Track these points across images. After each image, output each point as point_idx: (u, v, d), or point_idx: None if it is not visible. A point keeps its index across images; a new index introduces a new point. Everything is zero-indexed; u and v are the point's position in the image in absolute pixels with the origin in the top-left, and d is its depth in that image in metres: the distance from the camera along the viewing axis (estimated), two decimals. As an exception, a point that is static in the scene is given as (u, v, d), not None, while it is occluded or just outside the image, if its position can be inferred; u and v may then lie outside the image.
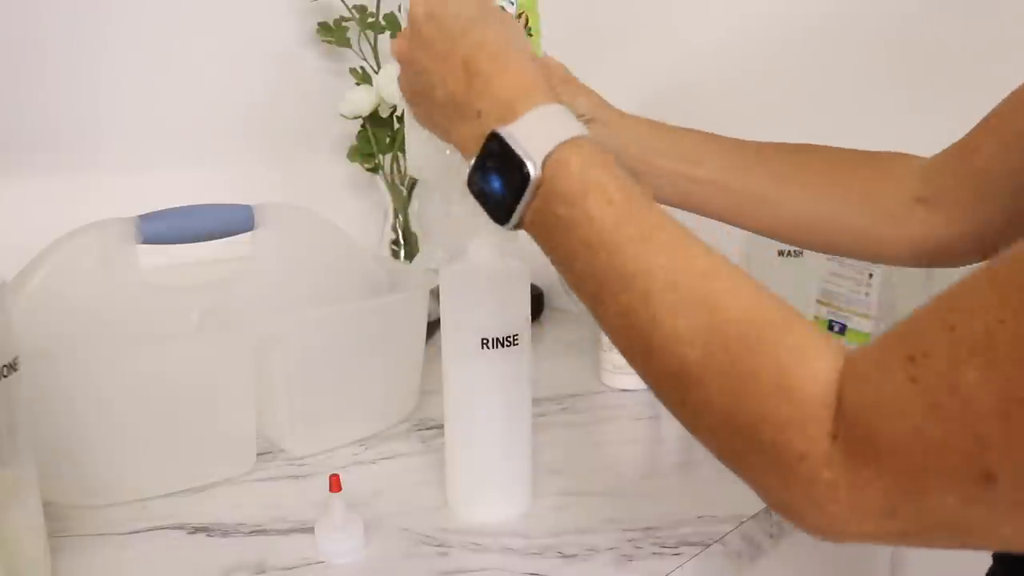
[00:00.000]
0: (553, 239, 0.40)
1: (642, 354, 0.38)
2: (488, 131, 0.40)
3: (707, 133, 0.64)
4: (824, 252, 0.64)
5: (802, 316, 0.36)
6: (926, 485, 0.30)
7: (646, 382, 0.39)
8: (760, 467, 0.35)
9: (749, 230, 0.64)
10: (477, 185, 0.42)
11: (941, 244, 0.57)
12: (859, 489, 0.32)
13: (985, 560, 0.57)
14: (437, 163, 0.53)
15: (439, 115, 0.45)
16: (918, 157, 0.60)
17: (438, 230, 0.57)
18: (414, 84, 0.47)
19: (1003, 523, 0.29)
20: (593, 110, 0.64)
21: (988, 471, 0.28)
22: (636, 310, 0.37)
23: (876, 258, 0.62)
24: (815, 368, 0.34)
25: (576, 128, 0.40)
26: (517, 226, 0.42)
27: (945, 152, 0.59)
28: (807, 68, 0.89)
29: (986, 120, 0.56)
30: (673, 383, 0.37)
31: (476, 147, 0.41)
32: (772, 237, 0.64)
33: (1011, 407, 0.27)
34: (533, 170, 0.39)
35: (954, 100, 0.64)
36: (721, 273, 0.37)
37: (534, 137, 0.39)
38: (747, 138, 0.64)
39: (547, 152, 0.39)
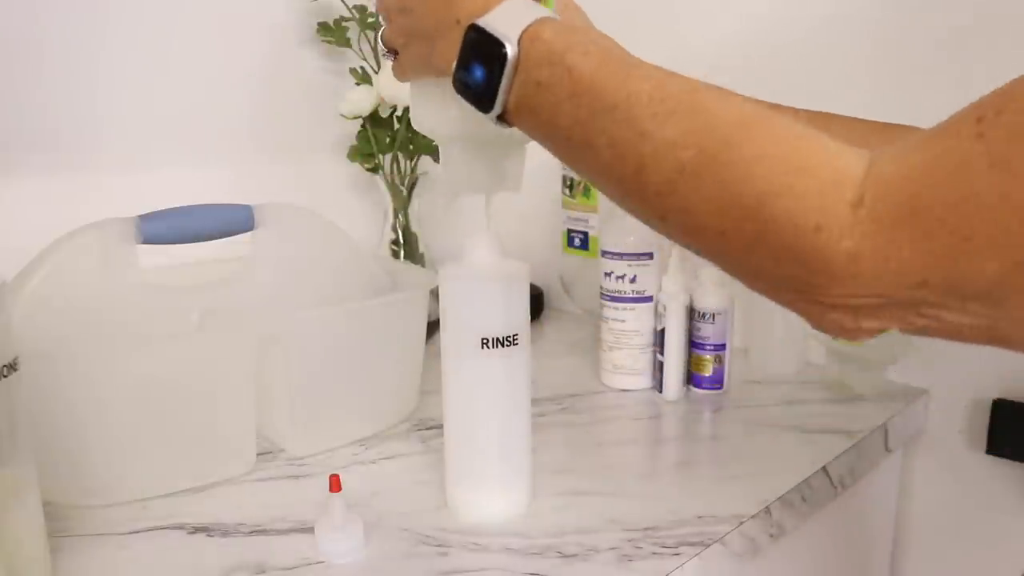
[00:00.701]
0: (538, 107, 0.41)
1: (635, 176, 0.38)
2: (464, 28, 0.43)
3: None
4: None
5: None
6: (969, 248, 0.29)
7: (643, 211, 0.39)
8: (775, 252, 0.34)
9: None
10: (460, 82, 0.44)
11: None
12: (886, 258, 0.31)
13: (988, 563, 0.57)
14: (447, 114, 0.54)
15: (428, 47, 0.47)
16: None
17: (450, 183, 0.57)
18: (404, 27, 0.49)
19: None
20: None
21: None
22: (624, 135, 0.38)
23: None
24: (827, 146, 0.34)
25: (546, 11, 0.42)
26: (504, 116, 0.43)
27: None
28: (805, 66, 0.89)
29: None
30: (672, 191, 0.37)
31: (456, 48, 0.44)
32: None
33: None
34: (510, 47, 0.41)
35: (953, 97, 0.64)
36: (708, 87, 0.38)
37: (507, 21, 0.42)
38: None
39: (521, 28, 0.41)
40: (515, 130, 0.48)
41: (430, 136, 0.58)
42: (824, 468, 0.69)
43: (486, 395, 0.60)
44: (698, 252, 0.39)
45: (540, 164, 1.08)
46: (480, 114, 0.45)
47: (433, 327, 0.85)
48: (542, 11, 0.42)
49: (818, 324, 0.36)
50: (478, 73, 0.42)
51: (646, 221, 0.40)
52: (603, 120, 0.38)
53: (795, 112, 0.63)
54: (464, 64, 0.43)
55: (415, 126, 0.57)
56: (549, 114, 0.41)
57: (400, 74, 0.53)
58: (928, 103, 0.81)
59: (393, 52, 0.52)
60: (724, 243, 0.36)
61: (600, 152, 0.39)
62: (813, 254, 0.33)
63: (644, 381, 0.87)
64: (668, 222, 0.38)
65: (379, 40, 0.55)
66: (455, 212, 1.10)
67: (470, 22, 0.43)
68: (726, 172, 0.35)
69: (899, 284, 0.31)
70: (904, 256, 0.31)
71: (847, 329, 0.35)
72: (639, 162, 0.37)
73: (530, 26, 0.41)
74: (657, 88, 0.38)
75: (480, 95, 0.43)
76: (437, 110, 0.54)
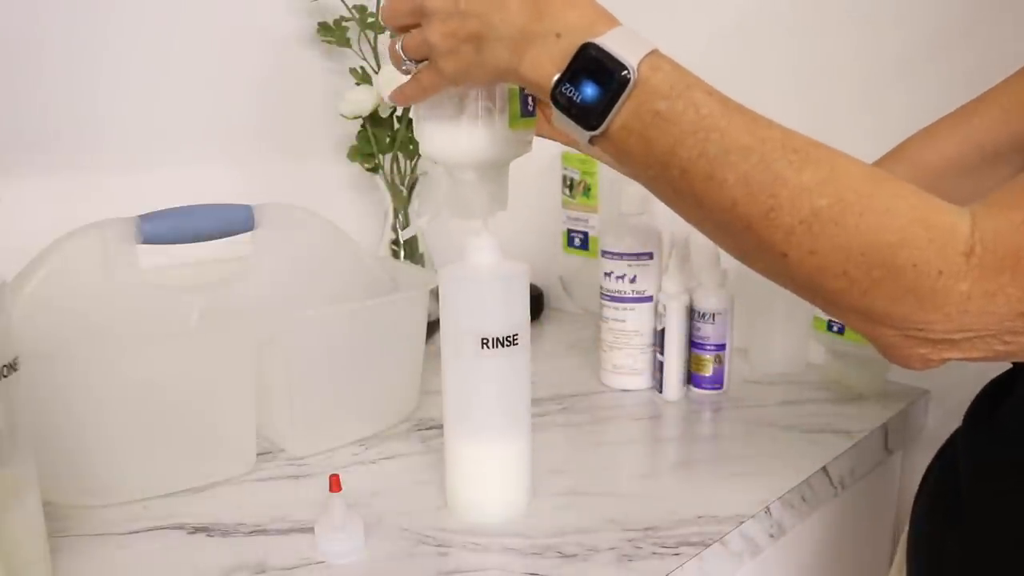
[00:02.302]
0: (653, 137, 0.43)
1: (764, 214, 0.41)
2: (579, 44, 0.44)
3: None
4: None
5: None
6: None
7: (762, 246, 0.42)
8: (895, 293, 0.40)
9: None
10: (565, 96, 0.45)
11: None
12: (994, 297, 0.38)
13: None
14: (461, 139, 0.55)
15: (497, 51, 0.47)
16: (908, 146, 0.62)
17: (458, 207, 0.58)
18: (457, 31, 0.47)
19: None
20: None
21: None
22: (757, 175, 0.41)
23: None
24: (939, 204, 0.40)
25: (653, 43, 0.44)
26: (598, 135, 0.45)
27: (939, 123, 0.61)
28: (803, 61, 0.89)
29: (988, 92, 0.58)
30: (803, 232, 0.41)
31: (561, 61, 0.45)
32: None
33: None
34: (632, 72, 0.43)
35: (956, 93, 0.64)
36: (827, 144, 0.42)
37: (626, 46, 0.43)
38: None
39: (642, 56, 0.43)
40: (509, 152, 0.51)
41: (438, 160, 0.57)
42: (824, 468, 0.69)
43: (486, 395, 0.60)
44: (798, 287, 0.43)
45: (540, 165, 1.09)
46: (498, 138, 0.50)
47: (433, 327, 0.85)
48: (648, 40, 0.44)
49: (902, 356, 0.42)
50: (589, 91, 0.44)
51: (755, 253, 0.44)
52: (735, 158, 0.41)
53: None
54: (574, 79, 0.44)
55: (423, 151, 0.57)
56: (666, 144, 0.43)
57: (432, 80, 0.51)
58: (928, 96, 0.81)
59: (417, 60, 0.51)
60: (845, 283, 0.41)
61: (727, 188, 0.42)
62: (932, 296, 0.39)
63: (644, 381, 0.87)
64: (789, 259, 0.42)
65: (399, 48, 0.53)
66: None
67: (582, 39, 0.44)
68: (860, 221, 0.39)
69: (1001, 318, 0.39)
70: (1009, 294, 0.38)
71: (929, 360, 0.42)
72: (773, 203, 0.41)
73: (649, 55, 0.43)
74: (787, 137, 0.42)
75: (587, 112, 0.44)
76: (450, 135, 0.55)
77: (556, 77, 0.45)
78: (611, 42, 0.44)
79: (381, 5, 0.52)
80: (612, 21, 0.45)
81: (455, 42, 0.48)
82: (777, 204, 0.41)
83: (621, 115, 0.44)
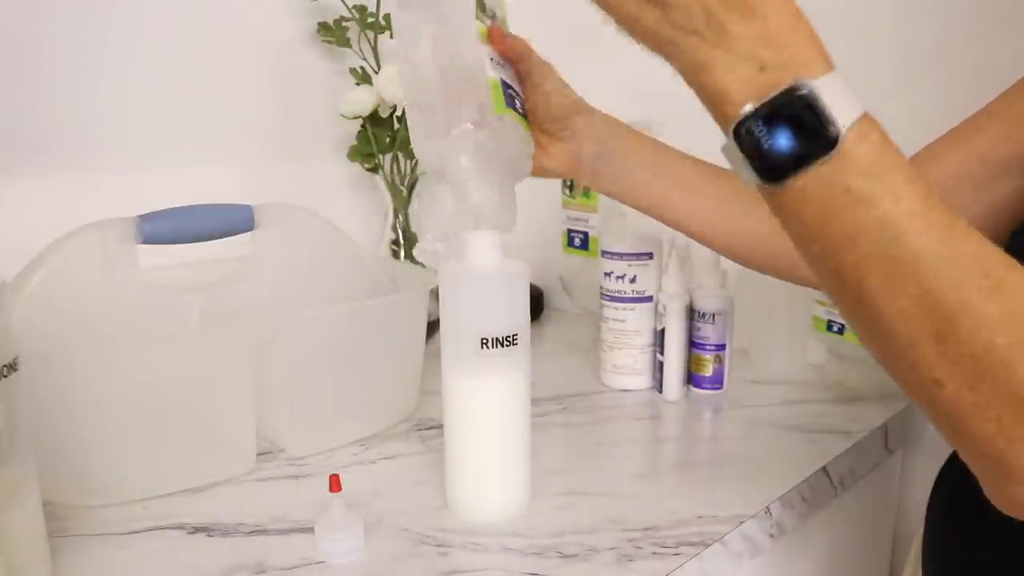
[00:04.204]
0: (836, 214, 0.37)
1: (932, 334, 0.37)
2: (788, 81, 0.37)
3: (701, 162, 0.67)
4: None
5: None
6: None
7: (918, 363, 0.38)
8: None
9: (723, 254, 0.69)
10: (751, 135, 0.37)
11: None
12: None
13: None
14: (451, 155, 0.53)
15: (699, 44, 0.38)
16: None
17: (445, 224, 0.57)
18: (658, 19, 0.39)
19: None
20: (611, 129, 0.66)
21: None
22: (940, 294, 0.36)
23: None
24: None
25: (863, 104, 0.38)
26: (775, 191, 0.38)
27: (941, 140, 0.60)
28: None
29: (989, 105, 0.57)
30: (968, 367, 0.37)
31: (760, 92, 0.37)
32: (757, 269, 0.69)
33: None
34: (840, 133, 0.36)
35: (955, 102, 0.64)
36: (1019, 265, 0.37)
37: (840, 101, 0.37)
38: None
39: (854, 118, 0.36)
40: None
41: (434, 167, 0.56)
42: (824, 468, 0.69)
43: (486, 395, 0.60)
44: (937, 415, 0.40)
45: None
46: None
47: (433, 327, 0.85)
48: (861, 103, 0.38)
49: (1016, 507, 0.40)
50: (783, 141, 0.37)
51: (904, 367, 0.39)
52: (923, 268, 0.36)
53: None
54: (769, 120, 0.37)
55: (421, 156, 0.57)
56: (848, 228, 0.37)
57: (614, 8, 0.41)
58: (928, 95, 0.81)
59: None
60: (994, 428, 0.38)
61: (901, 297, 0.37)
62: None
63: (644, 381, 0.87)
64: (943, 388, 0.38)
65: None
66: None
67: (793, 76, 0.37)
68: None
69: None
70: None
71: None
72: (947, 329, 0.37)
73: (861, 118, 0.37)
74: (982, 254, 0.37)
75: (771, 163, 0.37)
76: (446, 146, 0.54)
77: (749, 109, 0.37)
78: (825, 91, 0.36)
79: None
80: (828, 63, 0.38)
81: (668, 24, 0.39)
82: (951, 331, 0.36)
83: (810, 178, 0.37)
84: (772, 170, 0.38)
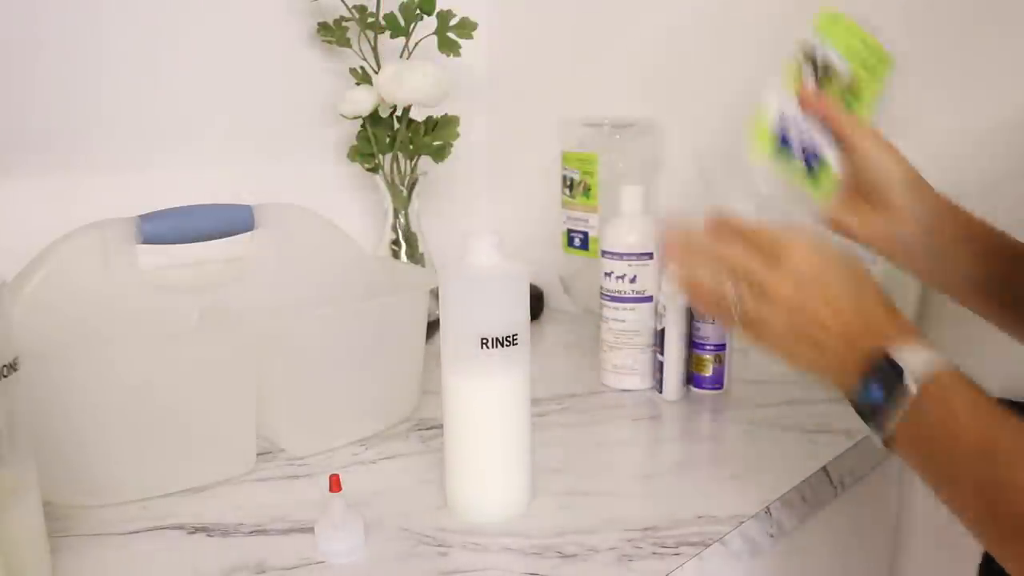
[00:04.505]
0: (931, 450, 0.45)
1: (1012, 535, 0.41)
2: (878, 352, 0.47)
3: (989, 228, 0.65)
4: None
5: None
6: None
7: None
8: None
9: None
10: (864, 400, 0.47)
11: None
12: None
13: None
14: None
15: (819, 355, 0.50)
16: None
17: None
18: (797, 325, 0.50)
19: None
20: (936, 210, 0.64)
21: None
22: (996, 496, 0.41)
23: None
24: None
25: (944, 360, 0.46)
26: (890, 442, 0.47)
27: None
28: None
29: None
30: None
31: (859, 368, 0.47)
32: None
33: None
34: (910, 386, 0.44)
35: (954, 98, 0.64)
36: None
37: (914, 358, 0.45)
38: None
39: (928, 371, 0.45)
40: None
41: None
42: (824, 468, 0.69)
43: (486, 395, 0.60)
44: None
45: (540, 165, 1.09)
46: None
47: (433, 327, 0.85)
48: (938, 356, 0.46)
49: None
50: (877, 395, 0.46)
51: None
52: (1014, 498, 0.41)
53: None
54: (866, 384, 0.47)
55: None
56: (943, 462, 0.44)
57: (733, 327, 0.54)
58: (935, 95, 0.81)
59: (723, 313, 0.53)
60: None
61: (998, 517, 0.42)
62: None
63: (644, 381, 0.87)
64: None
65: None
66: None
67: (878, 345, 0.47)
68: None
69: None
70: None
71: None
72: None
73: (935, 370, 0.45)
74: None
75: (875, 417, 0.47)
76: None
77: (855, 385, 0.48)
78: (903, 352, 0.46)
79: (717, 249, 0.54)
80: (908, 330, 0.48)
81: (797, 332, 0.51)
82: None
83: (904, 426, 0.45)
84: (875, 422, 0.47)
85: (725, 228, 0.54)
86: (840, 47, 0.64)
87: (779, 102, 0.63)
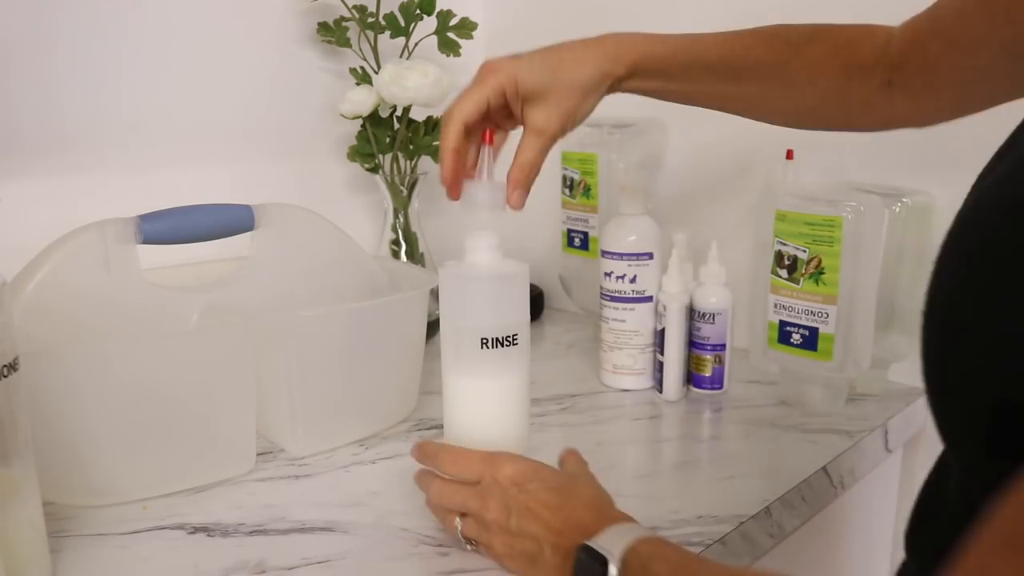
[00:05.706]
0: None
1: None
2: (580, 548, 0.48)
3: (705, 43, 0.70)
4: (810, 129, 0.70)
5: None
6: None
7: None
8: None
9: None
10: None
11: (910, 118, 0.63)
12: None
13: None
14: None
15: (547, 568, 0.51)
16: (885, 29, 0.63)
17: None
18: (515, 546, 0.53)
19: None
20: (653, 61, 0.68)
21: None
22: None
23: (852, 130, 0.71)
24: None
25: (645, 532, 0.48)
26: None
27: (907, 30, 0.61)
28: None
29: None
30: None
31: (570, 569, 0.49)
32: (770, 123, 0.70)
33: None
34: (614, 564, 0.46)
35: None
36: None
37: (612, 541, 0.47)
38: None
39: (624, 547, 0.46)
40: None
41: None
42: (824, 468, 0.69)
43: (486, 395, 0.60)
44: None
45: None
46: None
47: (433, 327, 0.85)
48: (638, 529, 0.49)
49: None
50: None
51: None
52: None
53: (765, 50, 0.67)
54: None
55: None
56: None
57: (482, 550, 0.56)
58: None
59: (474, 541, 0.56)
60: None
61: None
62: None
63: (644, 381, 0.87)
64: None
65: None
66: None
67: (578, 543, 0.48)
68: None
69: None
70: None
71: None
72: None
73: (630, 543, 0.46)
74: None
75: None
76: None
77: None
78: (599, 539, 0.47)
79: (432, 492, 0.58)
80: (609, 518, 0.50)
81: (513, 552, 0.53)
82: None
83: None
84: None
85: (441, 458, 0.58)
86: None
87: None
